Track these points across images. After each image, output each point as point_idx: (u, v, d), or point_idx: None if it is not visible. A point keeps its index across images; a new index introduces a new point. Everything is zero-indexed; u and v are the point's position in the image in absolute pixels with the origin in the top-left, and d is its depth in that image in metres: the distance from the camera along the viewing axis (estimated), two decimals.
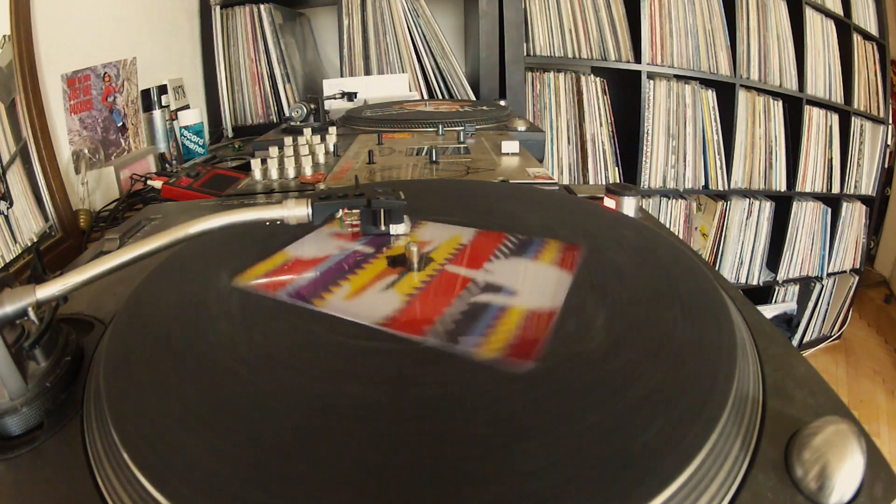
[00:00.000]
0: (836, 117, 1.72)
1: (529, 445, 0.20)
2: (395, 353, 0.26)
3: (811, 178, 1.70)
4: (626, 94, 1.51)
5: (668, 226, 1.43)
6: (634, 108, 1.48)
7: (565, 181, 1.52)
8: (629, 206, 0.46)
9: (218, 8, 1.37)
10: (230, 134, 1.41)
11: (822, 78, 1.68)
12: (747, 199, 1.62)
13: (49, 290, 0.26)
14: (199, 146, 1.16)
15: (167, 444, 0.21)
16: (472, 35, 1.42)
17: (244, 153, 1.14)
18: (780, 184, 1.65)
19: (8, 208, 0.68)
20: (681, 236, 1.56)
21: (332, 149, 0.77)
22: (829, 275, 1.83)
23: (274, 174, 0.67)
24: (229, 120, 1.42)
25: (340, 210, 0.37)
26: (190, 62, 1.35)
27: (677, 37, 1.48)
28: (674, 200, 1.58)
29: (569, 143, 1.51)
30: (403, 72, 1.35)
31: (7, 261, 0.66)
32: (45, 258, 0.70)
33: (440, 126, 0.86)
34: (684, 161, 1.55)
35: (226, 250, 0.39)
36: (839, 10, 1.68)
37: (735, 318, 0.29)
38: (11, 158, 0.70)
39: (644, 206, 0.72)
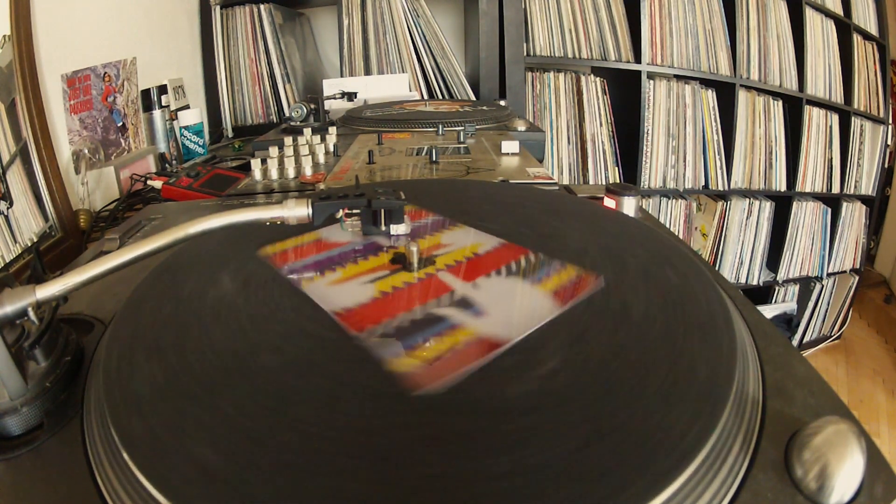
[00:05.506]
0: (836, 117, 1.72)
1: (527, 444, 0.20)
2: (328, 342, 0.27)
3: (811, 178, 1.70)
4: (626, 94, 1.51)
5: (668, 226, 1.43)
6: (634, 108, 1.48)
7: (565, 181, 1.52)
8: (629, 206, 0.46)
9: (218, 8, 1.37)
10: (230, 134, 1.41)
11: (822, 78, 1.68)
12: (747, 199, 1.62)
13: (49, 290, 0.26)
14: (199, 146, 1.16)
15: (167, 443, 0.21)
16: (472, 35, 1.42)
17: (244, 153, 1.14)
18: (780, 184, 1.65)
19: (8, 208, 0.68)
20: (681, 236, 1.56)
21: (332, 149, 0.77)
22: (829, 275, 1.83)
23: (274, 174, 0.67)
24: (229, 120, 1.42)
25: (340, 210, 0.37)
26: (190, 62, 1.35)
27: (677, 37, 1.48)
28: (674, 200, 1.58)
29: (569, 143, 1.51)
30: (403, 72, 1.35)
31: (7, 261, 0.66)
32: (45, 258, 0.70)
33: (440, 126, 0.86)
34: (684, 161, 1.55)
35: (226, 250, 0.39)
36: (839, 10, 1.68)
37: (735, 318, 0.29)
38: (11, 158, 0.70)
39: (644, 206, 0.72)
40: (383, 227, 0.38)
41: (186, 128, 1.14)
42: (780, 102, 1.63)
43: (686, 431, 0.20)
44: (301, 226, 0.34)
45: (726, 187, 1.59)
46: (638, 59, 1.45)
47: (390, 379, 0.24)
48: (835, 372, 1.87)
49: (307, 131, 0.80)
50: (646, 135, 1.50)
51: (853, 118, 1.75)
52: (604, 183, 1.53)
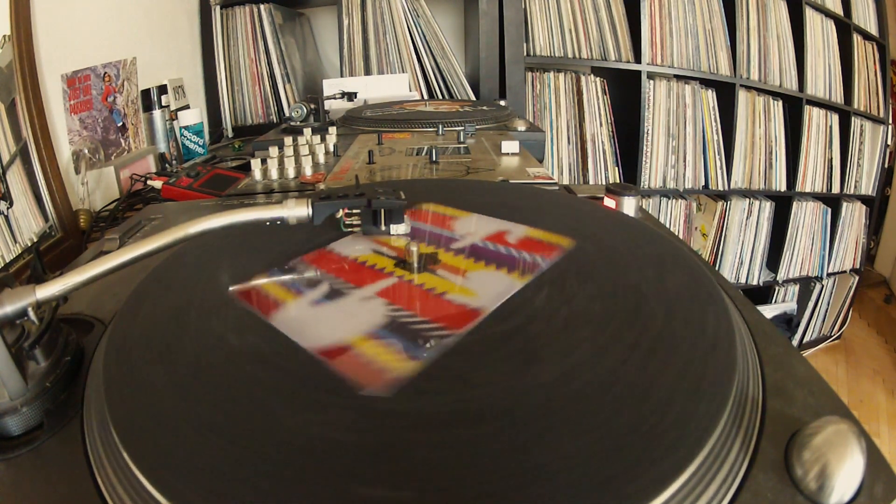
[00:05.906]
0: (836, 117, 1.72)
1: (526, 445, 0.20)
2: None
3: (811, 178, 1.70)
4: (626, 94, 1.51)
5: (668, 226, 1.43)
6: (634, 108, 1.48)
7: (565, 181, 1.52)
8: (629, 206, 0.46)
9: (218, 8, 1.37)
10: (230, 134, 1.41)
11: (822, 78, 1.68)
12: (747, 199, 1.62)
13: (49, 290, 0.26)
14: (199, 146, 1.16)
15: (167, 444, 0.21)
16: (472, 35, 1.42)
17: (244, 153, 1.14)
18: (780, 184, 1.65)
19: (8, 208, 0.68)
20: (681, 236, 1.56)
21: (332, 149, 0.77)
22: (829, 275, 1.83)
23: (274, 174, 0.67)
24: (229, 120, 1.42)
25: (340, 210, 0.37)
26: (190, 62, 1.35)
27: (677, 37, 1.48)
28: (674, 200, 1.58)
29: (569, 143, 1.51)
30: (403, 72, 1.35)
31: (7, 261, 0.66)
32: (45, 258, 0.70)
33: (440, 126, 0.86)
34: (684, 161, 1.55)
35: (225, 250, 0.39)
36: (839, 10, 1.68)
37: (735, 319, 0.29)
38: (11, 158, 0.70)
39: (644, 206, 0.72)
40: (383, 227, 0.38)
41: (186, 128, 1.14)
42: (780, 102, 1.63)
43: (686, 431, 0.20)
44: None
45: (726, 187, 1.58)
46: (638, 59, 1.45)
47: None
48: (835, 372, 1.87)
49: (307, 131, 0.80)
50: (646, 135, 1.50)
51: (853, 118, 1.75)
52: (604, 183, 1.53)
